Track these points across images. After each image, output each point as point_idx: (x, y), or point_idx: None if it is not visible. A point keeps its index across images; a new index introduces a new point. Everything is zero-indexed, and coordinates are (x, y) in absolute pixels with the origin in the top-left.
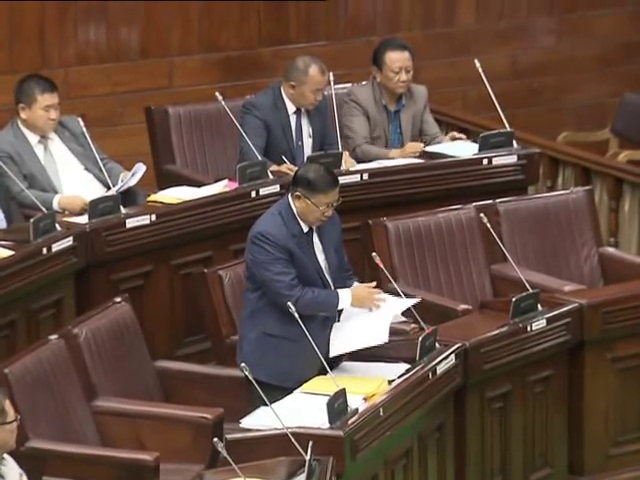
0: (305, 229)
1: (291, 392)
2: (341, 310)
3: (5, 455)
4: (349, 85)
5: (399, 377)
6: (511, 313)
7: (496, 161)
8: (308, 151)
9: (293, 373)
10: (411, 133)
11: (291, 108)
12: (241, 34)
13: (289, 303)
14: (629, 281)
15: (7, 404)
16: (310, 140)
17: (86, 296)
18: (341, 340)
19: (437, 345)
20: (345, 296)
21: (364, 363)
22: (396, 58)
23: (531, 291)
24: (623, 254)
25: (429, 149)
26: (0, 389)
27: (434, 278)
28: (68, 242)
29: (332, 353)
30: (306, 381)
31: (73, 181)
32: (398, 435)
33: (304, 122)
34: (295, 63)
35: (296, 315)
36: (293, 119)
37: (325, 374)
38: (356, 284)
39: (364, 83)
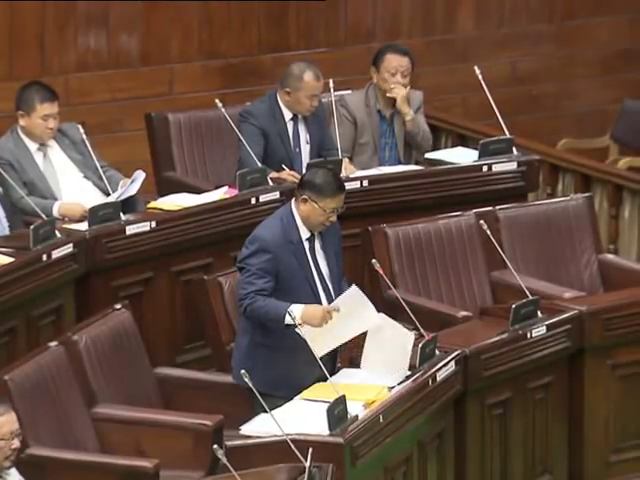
0: (305, 236)
1: (290, 399)
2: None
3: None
4: (349, 92)
5: (399, 384)
6: (511, 320)
7: (496, 168)
8: (306, 157)
9: (284, 382)
10: (404, 137)
11: (287, 115)
12: (241, 41)
13: (289, 309)
14: (629, 288)
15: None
16: (308, 146)
17: (86, 303)
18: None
19: (437, 352)
20: (295, 313)
21: (364, 370)
22: (394, 60)
23: (531, 298)
24: (623, 261)
25: (429, 156)
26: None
27: (434, 285)
28: (68, 249)
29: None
30: (302, 389)
31: (72, 189)
32: (398, 442)
33: (301, 128)
34: (290, 69)
35: (296, 323)
36: (290, 126)
37: (324, 381)
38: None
39: (353, 92)
